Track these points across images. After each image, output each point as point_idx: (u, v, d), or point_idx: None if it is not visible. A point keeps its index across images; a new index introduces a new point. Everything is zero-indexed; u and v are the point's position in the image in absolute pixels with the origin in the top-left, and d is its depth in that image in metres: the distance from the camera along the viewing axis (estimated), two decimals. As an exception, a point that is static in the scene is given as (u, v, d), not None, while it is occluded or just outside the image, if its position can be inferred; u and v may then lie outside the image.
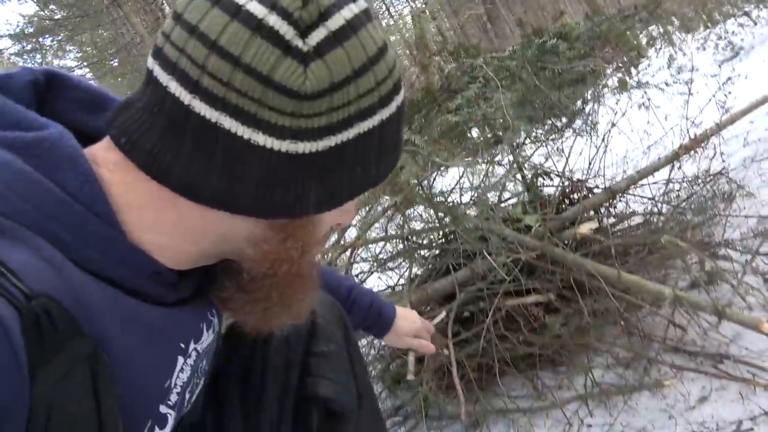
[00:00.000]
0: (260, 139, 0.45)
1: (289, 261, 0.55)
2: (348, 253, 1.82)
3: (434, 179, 1.95)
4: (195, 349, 0.62)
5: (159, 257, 0.51)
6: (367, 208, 1.88)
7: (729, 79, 1.98)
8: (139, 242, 0.49)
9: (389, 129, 0.51)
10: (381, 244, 1.90)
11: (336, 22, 0.45)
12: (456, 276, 1.49)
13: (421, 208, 1.91)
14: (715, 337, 1.37)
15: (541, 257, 1.41)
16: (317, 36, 0.44)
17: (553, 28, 1.74)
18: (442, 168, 2.01)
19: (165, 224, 0.50)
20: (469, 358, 1.51)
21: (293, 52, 0.44)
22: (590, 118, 1.59)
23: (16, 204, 0.43)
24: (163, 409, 0.57)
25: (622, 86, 2.54)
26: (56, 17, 10.21)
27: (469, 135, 1.98)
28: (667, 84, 2.08)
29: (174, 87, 0.45)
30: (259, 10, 0.43)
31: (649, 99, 2.17)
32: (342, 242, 1.74)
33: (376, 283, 1.89)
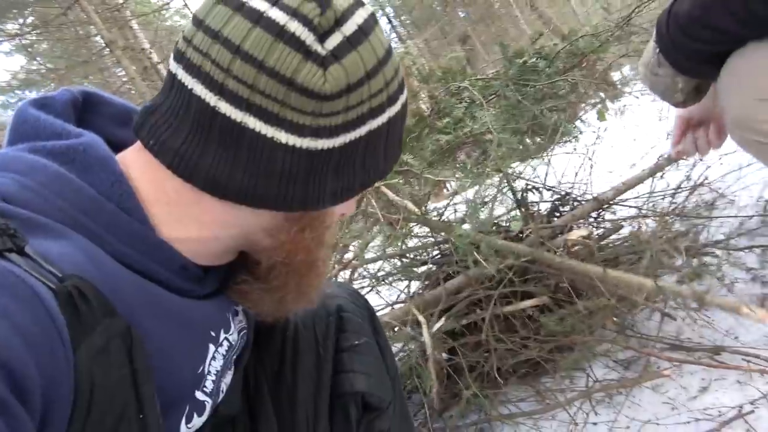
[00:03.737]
0: (283, 137, 0.48)
1: (306, 250, 0.58)
2: (348, 272, 1.85)
3: (428, 199, 2.01)
4: (226, 338, 0.64)
5: (185, 252, 0.54)
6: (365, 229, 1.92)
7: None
8: (167, 237, 0.52)
9: (395, 124, 0.55)
10: (380, 263, 1.93)
11: (350, 27, 0.49)
12: (452, 283, 1.53)
13: (416, 228, 1.96)
14: (710, 334, 1.41)
15: (532, 262, 1.46)
16: (334, 40, 0.48)
17: (532, 49, 1.84)
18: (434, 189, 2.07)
19: (190, 220, 0.53)
20: (472, 368, 1.53)
21: (313, 56, 0.47)
22: (570, 129, 1.66)
23: (52, 201, 0.47)
24: (200, 395, 0.59)
25: (601, 116, 2.68)
26: (42, 71, 10.36)
27: (459, 156, 2.05)
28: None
29: (199, 90, 0.48)
30: (280, 17, 0.46)
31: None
32: (342, 261, 1.77)
33: (375, 300, 1.91)
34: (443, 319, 1.43)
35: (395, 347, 1.78)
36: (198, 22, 0.49)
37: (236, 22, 0.47)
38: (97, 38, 8.41)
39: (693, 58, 0.78)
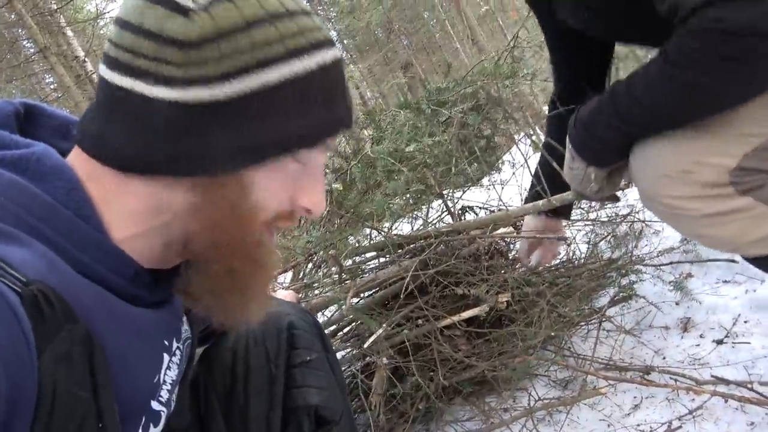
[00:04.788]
0: (159, 91, 0.49)
1: (226, 231, 0.55)
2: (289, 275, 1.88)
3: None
4: (178, 347, 0.64)
5: (132, 253, 0.54)
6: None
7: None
8: (117, 240, 0.53)
9: (309, 83, 0.52)
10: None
11: None
12: (384, 272, 1.58)
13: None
14: (640, 354, 1.50)
15: (456, 233, 1.57)
16: None
17: (445, 80, 2.00)
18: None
19: (126, 214, 0.53)
20: (415, 387, 1.55)
21: (182, 10, 0.48)
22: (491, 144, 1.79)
23: (9, 208, 0.46)
24: (155, 405, 0.59)
25: (535, 147, 2.85)
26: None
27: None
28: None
29: (103, 70, 0.52)
30: None
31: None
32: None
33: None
34: (382, 327, 1.45)
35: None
36: (113, 21, 0.54)
37: (128, 3, 0.51)
38: (25, 43, 7.99)
39: (599, 150, 0.92)
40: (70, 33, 6.71)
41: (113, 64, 0.50)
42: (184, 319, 0.68)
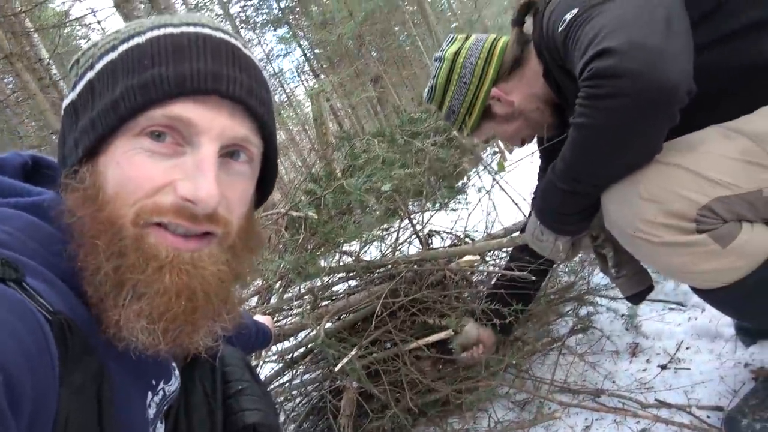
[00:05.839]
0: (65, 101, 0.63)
1: (91, 224, 0.55)
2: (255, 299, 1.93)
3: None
4: (163, 388, 0.69)
5: None
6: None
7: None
8: None
9: (115, 66, 0.58)
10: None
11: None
12: (355, 297, 1.64)
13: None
14: (592, 376, 1.61)
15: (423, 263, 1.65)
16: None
17: (420, 108, 2.10)
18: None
19: None
20: (382, 408, 1.62)
21: None
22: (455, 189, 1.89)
23: (27, 243, 0.53)
24: None
25: (500, 167, 2.97)
26: None
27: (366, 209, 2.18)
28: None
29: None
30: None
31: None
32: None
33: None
34: (354, 350, 1.52)
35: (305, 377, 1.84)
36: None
37: None
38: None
39: (556, 220, 1.06)
40: (35, 35, 6.57)
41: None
42: (174, 364, 0.73)
